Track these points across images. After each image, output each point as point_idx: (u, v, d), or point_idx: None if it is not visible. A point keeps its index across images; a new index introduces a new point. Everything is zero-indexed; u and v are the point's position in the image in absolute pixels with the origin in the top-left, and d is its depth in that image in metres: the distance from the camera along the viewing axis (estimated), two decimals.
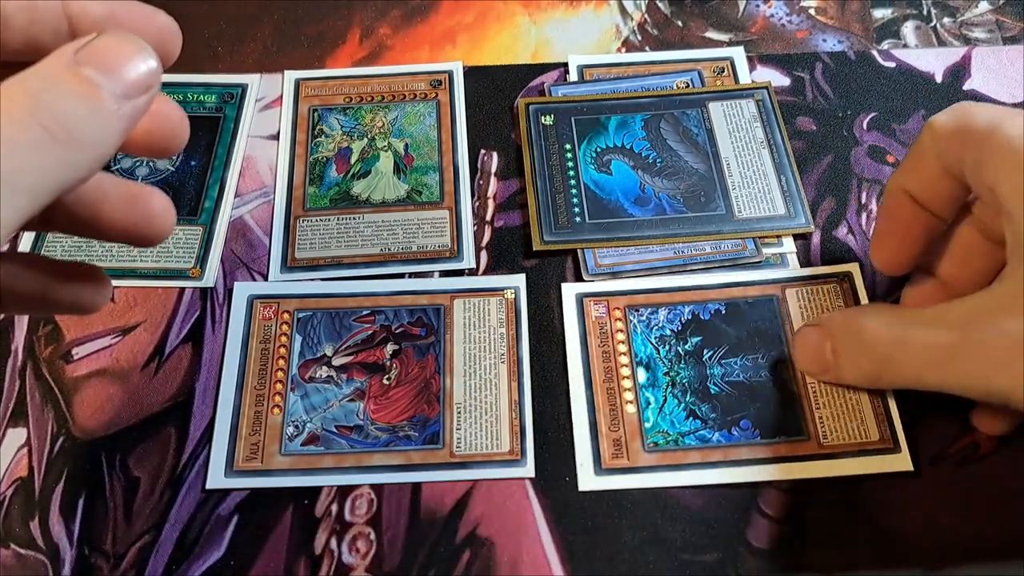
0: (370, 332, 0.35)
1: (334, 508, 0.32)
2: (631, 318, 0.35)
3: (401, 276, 0.37)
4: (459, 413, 0.33)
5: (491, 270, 0.37)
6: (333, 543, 0.31)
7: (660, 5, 0.47)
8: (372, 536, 0.31)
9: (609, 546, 0.31)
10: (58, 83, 0.18)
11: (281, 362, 0.34)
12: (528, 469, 0.32)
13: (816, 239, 0.38)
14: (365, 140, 0.41)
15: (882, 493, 0.32)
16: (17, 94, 0.17)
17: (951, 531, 0.31)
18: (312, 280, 0.37)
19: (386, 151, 0.41)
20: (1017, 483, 0.32)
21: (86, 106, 0.18)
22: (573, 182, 0.39)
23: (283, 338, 0.35)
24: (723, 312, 0.35)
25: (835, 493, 0.32)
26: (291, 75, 0.43)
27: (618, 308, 0.35)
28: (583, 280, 0.37)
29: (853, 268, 0.36)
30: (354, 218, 0.38)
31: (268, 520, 0.31)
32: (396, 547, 0.31)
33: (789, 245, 0.38)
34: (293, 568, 0.30)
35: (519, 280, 0.37)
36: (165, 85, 0.43)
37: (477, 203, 0.39)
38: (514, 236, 0.38)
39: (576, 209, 0.38)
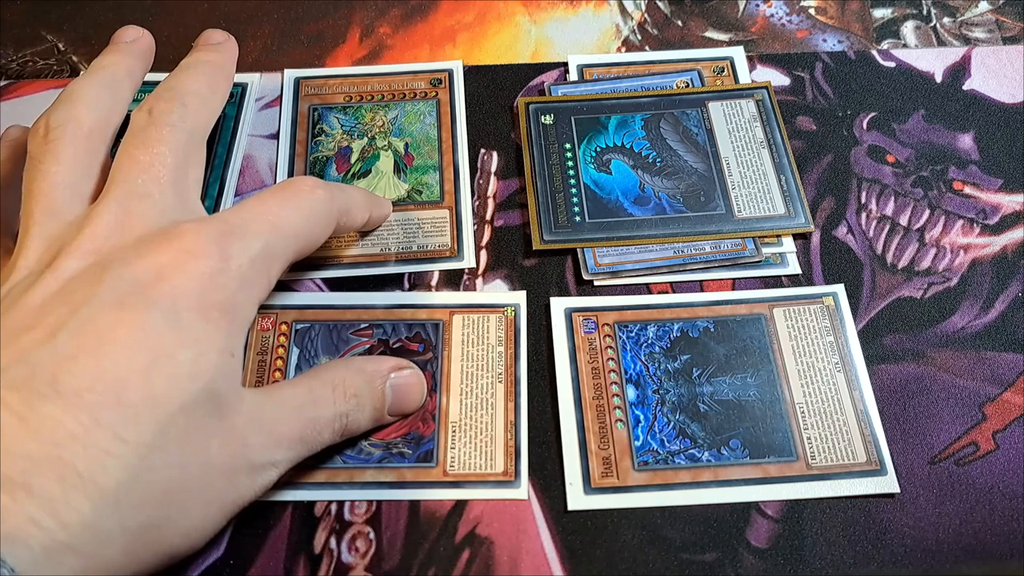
0: (368, 346, 0.35)
1: (333, 508, 0.32)
2: (620, 335, 0.35)
3: (401, 276, 0.37)
4: (454, 432, 0.33)
5: (491, 269, 0.37)
6: (332, 542, 0.31)
7: (660, 5, 0.47)
8: (371, 535, 0.31)
9: (609, 546, 0.31)
10: (372, 379, 0.29)
11: (277, 374, 0.34)
12: (521, 491, 0.32)
13: (816, 239, 0.38)
14: (365, 139, 0.41)
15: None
16: (348, 368, 0.29)
17: (951, 531, 0.31)
18: (311, 287, 0.37)
19: (386, 150, 0.41)
20: (1017, 483, 0.32)
21: (374, 413, 0.30)
22: (573, 181, 0.39)
23: (280, 350, 0.35)
24: (712, 330, 0.35)
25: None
26: (291, 74, 0.43)
27: (607, 324, 0.35)
28: (583, 280, 0.37)
29: (839, 289, 0.36)
30: None
31: (267, 519, 0.31)
32: (395, 546, 0.31)
33: (789, 245, 0.38)
34: (292, 567, 0.30)
35: (519, 297, 0.36)
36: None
37: (477, 202, 0.39)
38: (514, 235, 0.38)
39: (576, 208, 0.38)
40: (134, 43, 0.32)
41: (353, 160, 0.40)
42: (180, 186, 0.27)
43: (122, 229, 0.25)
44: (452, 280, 0.37)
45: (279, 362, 0.34)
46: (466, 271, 0.37)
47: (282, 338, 0.35)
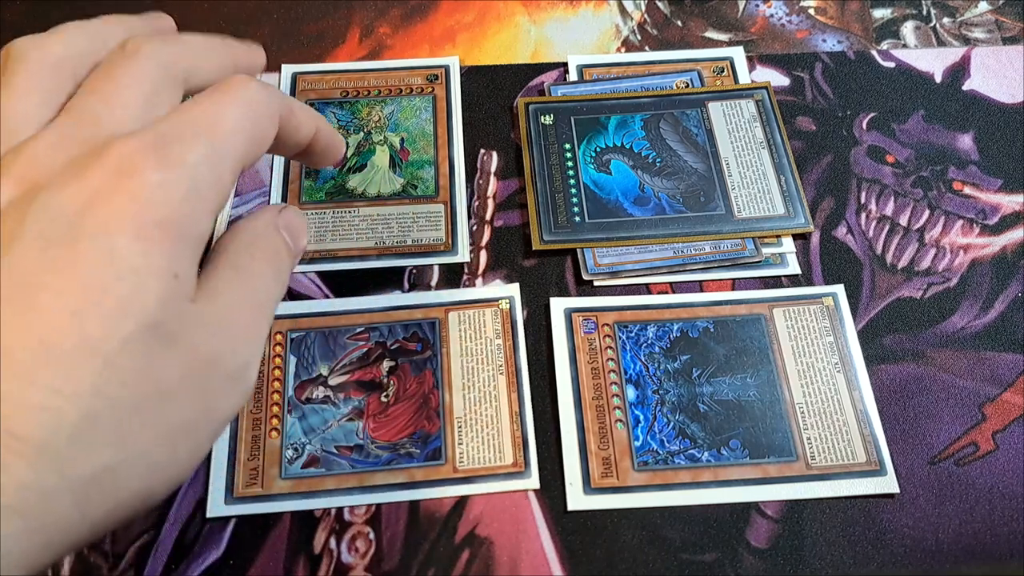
0: (365, 349, 0.35)
1: (333, 508, 0.32)
2: (620, 335, 0.35)
3: (400, 275, 0.37)
4: (460, 427, 0.33)
5: (491, 269, 0.37)
6: (332, 542, 0.31)
7: (660, 5, 0.47)
8: (371, 535, 0.31)
9: (609, 546, 0.31)
10: (270, 234, 0.27)
11: (276, 384, 0.34)
12: (532, 480, 0.32)
13: (815, 239, 0.38)
14: (361, 134, 0.41)
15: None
16: (244, 233, 0.26)
17: (951, 531, 0.31)
18: (305, 282, 0.37)
19: (382, 145, 0.41)
20: (1016, 483, 0.32)
21: (291, 261, 0.27)
22: (573, 182, 0.39)
23: (277, 359, 0.34)
24: (711, 330, 0.35)
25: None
26: (288, 69, 0.43)
27: (607, 324, 0.35)
28: (582, 280, 0.37)
29: (838, 289, 0.36)
30: (350, 211, 0.38)
31: (267, 519, 0.31)
32: (395, 546, 0.31)
33: (788, 245, 0.38)
34: (292, 567, 0.30)
35: (513, 290, 0.36)
36: None
37: (477, 202, 0.39)
38: (514, 235, 0.38)
39: (576, 209, 0.38)
40: (152, 17, 0.30)
41: (349, 155, 0.40)
42: (144, 119, 0.25)
43: (56, 152, 0.23)
44: (452, 281, 0.37)
45: (277, 372, 0.34)
46: (466, 272, 0.37)
47: (277, 347, 0.35)
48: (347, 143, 0.41)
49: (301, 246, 0.28)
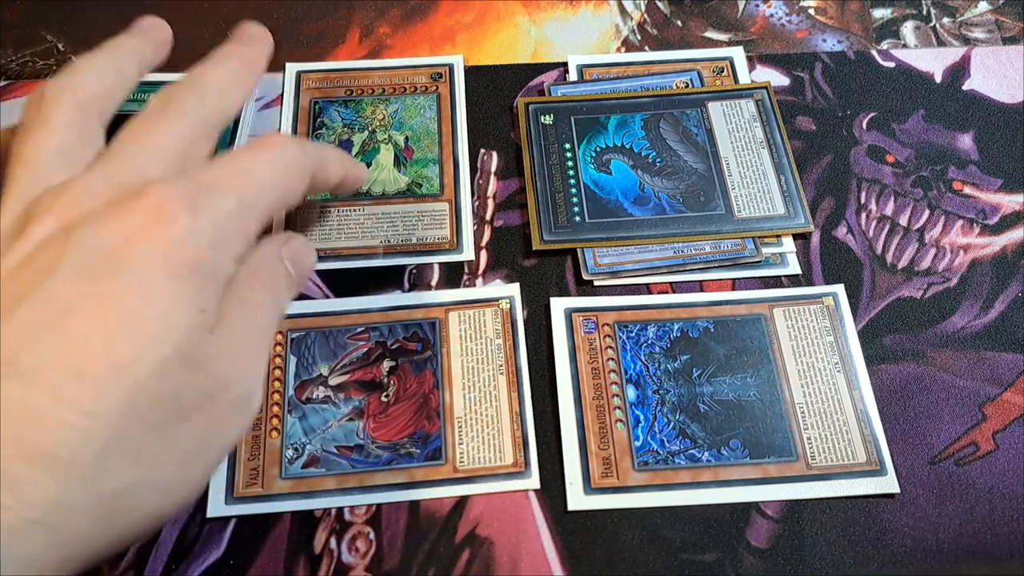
0: (365, 349, 0.35)
1: (333, 508, 0.32)
2: (620, 335, 0.35)
3: (401, 275, 0.37)
4: (460, 427, 0.33)
5: (491, 269, 0.37)
6: (332, 542, 0.31)
7: (660, 5, 0.47)
8: (371, 535, 0.31)
9: (609, 546, 0.31)
10: (272, 263, 0.27)
11: (276, 384, 0.34)
12: (533, 480, 0.32)
13: (816, 239, 0.38)
14: (366, 133, 0.41)
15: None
16: (247, 263, 0.26)
17: (951, 531, 0.31)
18: (307, 283, 0.37)
19: (386, 144, 0.41)
20: (1017, 483, 0.32)
21: (289, 290, 0.28)
22: (573, 182, 0.39)
23: (277, 359, 0.34)
24: (712, 330, 0.35)
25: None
26: (292, 67, 0.43)
27: (607, 324, 0.35)
28: (582, 280, 0.37)
29: (838, 289, 0.36)
30: (354, 210, 0.38)
31: (267, 519, 0.31)
32: (395, 546, 0.31)
33: (789, 245, 0.38)
34: (292, 567, 0.30)
35: (514, 290, 0.36)
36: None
37: (477, 202, 0.39)
38: (514, 235, 0.38)
39: (576, 209, 0.38)
40: (149, 30, 0.32)
41: (354, 153, 0.40)
42: (178, 168, 0.27)
43: (96, 194, 0.24)
44: (452, 280, 0.37)
45: (277, 371, 0.34)
46: (466, 272, 0.37)
47: (278, 347, 0.35)
48: (352, 142, 0.41)
49: (304, 275, 0.29)
